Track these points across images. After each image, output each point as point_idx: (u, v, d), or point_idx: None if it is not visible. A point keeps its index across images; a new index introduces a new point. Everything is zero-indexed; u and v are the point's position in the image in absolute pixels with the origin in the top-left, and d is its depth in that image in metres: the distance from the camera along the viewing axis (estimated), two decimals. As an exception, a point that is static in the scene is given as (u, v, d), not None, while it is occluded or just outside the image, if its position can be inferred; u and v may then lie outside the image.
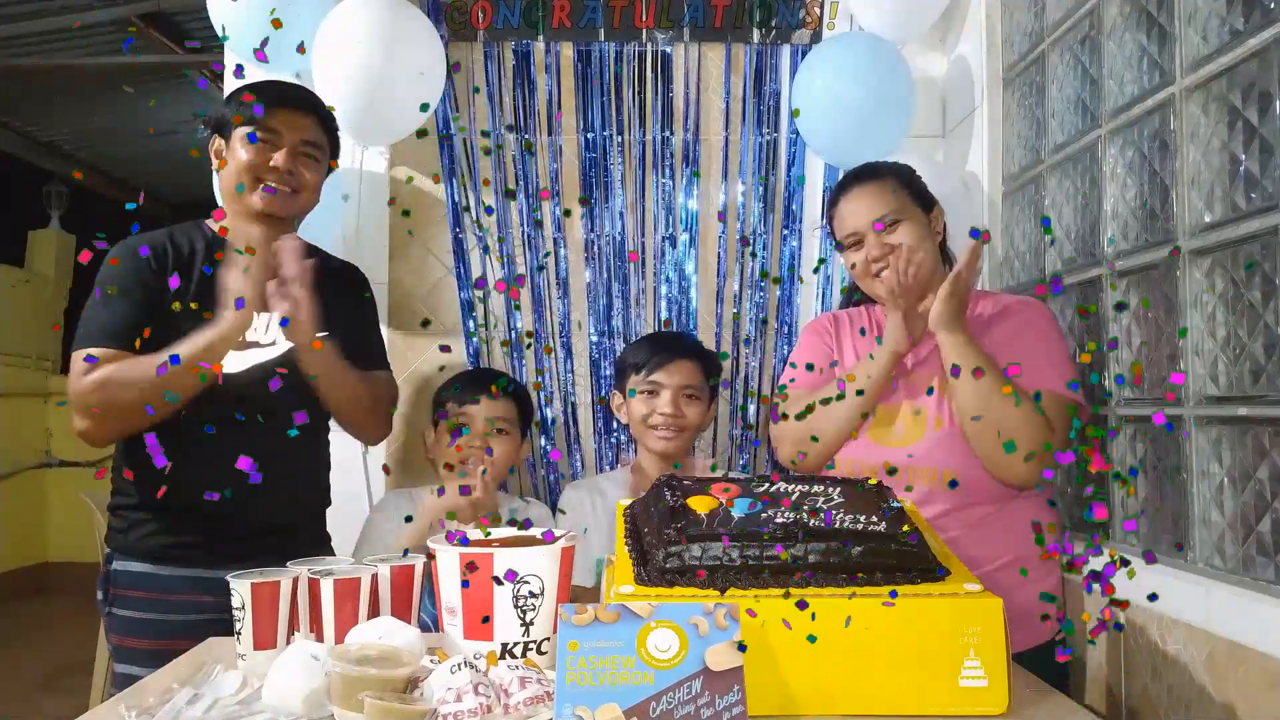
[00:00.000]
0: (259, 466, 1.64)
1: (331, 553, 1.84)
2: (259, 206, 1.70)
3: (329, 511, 1.90)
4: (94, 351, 1.62)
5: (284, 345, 1.71)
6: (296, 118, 1.73)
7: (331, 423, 1.87)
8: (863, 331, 1.75)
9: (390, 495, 2.02)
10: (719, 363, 2.07)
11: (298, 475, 1.78)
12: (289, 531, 1.72)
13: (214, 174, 1.83)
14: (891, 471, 1.49)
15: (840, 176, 1.77)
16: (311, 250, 1.88)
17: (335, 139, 1.84)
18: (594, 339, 2.38)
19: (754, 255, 2.39)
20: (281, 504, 1.71)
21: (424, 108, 1.88)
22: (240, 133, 1.70)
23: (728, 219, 2.41)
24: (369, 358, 1.88)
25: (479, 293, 2.37)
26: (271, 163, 1.70)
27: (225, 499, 1.62)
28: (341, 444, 1.98)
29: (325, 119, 1.80)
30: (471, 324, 2.38)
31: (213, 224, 1.77)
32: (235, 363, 1.68)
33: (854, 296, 1.86)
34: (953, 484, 1.51)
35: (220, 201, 1.86)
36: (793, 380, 1.73)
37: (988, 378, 1.49)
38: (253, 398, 1.66)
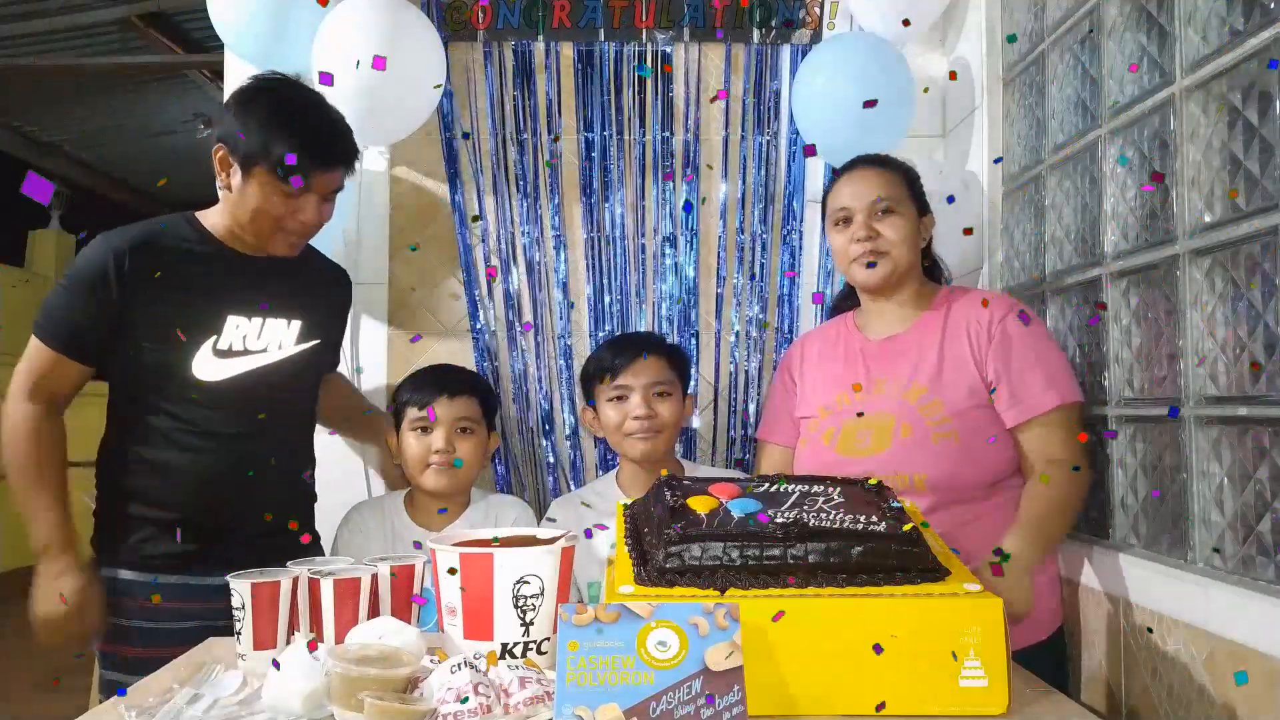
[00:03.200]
0: (244, 473, 1.66)
1: (321, 553, 1.82)
2: (279, 251, 1.69)
3: (330, 514, 1.89)
4: (40, 351, 1.63)
5: (275, 354, 1.70)
6: (331, 174, 1.65)
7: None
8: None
9: (355, 510, 1.92)
10: (687, 356, 2.03)
11: (282, 480, 1.76)
12: (278, 535, 1.67)
13: (217, 181, 1.72)
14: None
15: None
16: (309, 250, 1.88)
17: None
18: (594, 340, 2.38)
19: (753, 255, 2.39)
20: (270, 512, 1.69)
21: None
22: (264, 166, 1.59)
23: (727, 219, 2.41)
24: (335, 362, 1.98)
25: (482, 291, 2.37)
26: (300, 215, 1.64)
27: (210, 508, 1.64)
28: (344, 446, 1.98)
29: (354, 161, 1.71)
30: (479, 322, 2.38)
31: (202, 220, 1.73)
32: (218, 370, 1.66)
33: (848, 291, 1.87)
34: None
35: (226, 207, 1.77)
36: (760, 424, 1.89)
37: (1044, 528, 1.50)
38: (238, 405, 1.66)
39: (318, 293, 1.81)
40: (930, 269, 1.80)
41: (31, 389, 1.63)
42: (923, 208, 1.73)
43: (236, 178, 1.64)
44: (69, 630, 1.60)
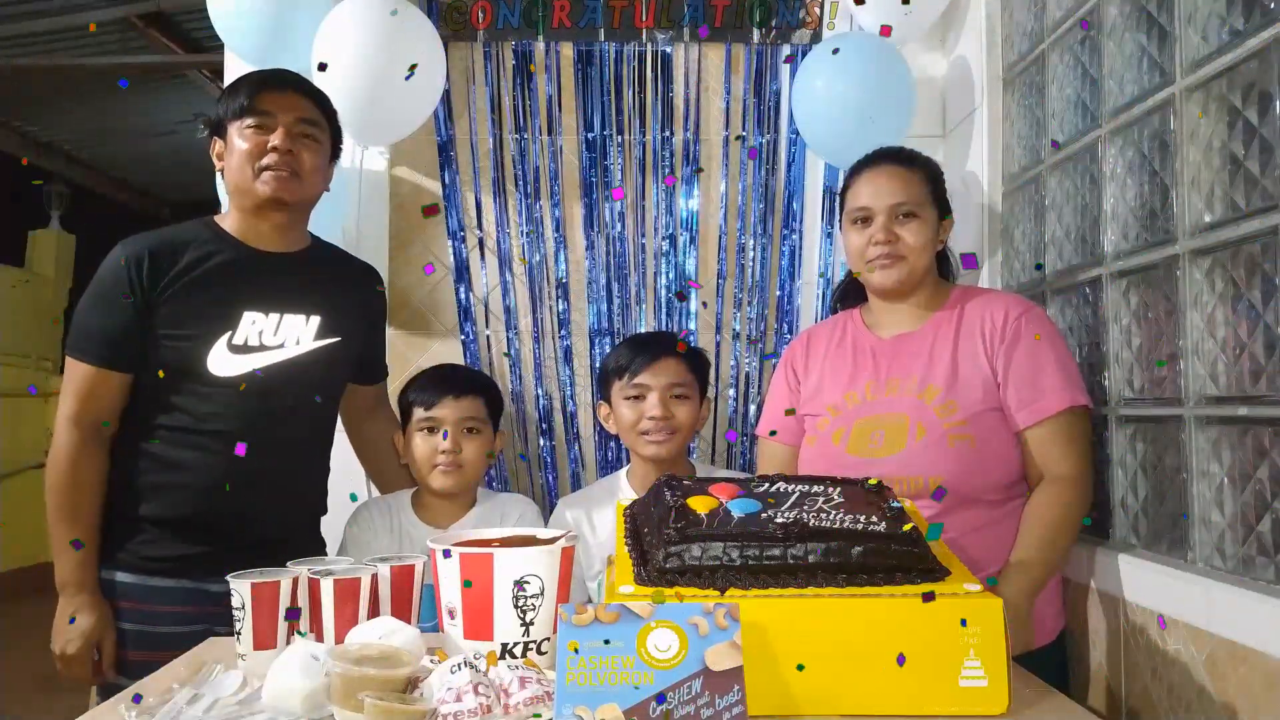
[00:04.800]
0: (251, 479, 1.65)
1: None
2: (264, 192, 1.66)
3: (333, 515, 1.88)
4: (78, 370, 1.64)
5: (292, 350, 1.70)
6: (288, 97, 1.69)
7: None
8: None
9: (363, 507, 1.91)
10: (706, 359, 2.01)
11: (295, 487, 1.76)
12: (282, 542, 1.64)
13: (218, 177, 1.78)
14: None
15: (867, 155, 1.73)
16: (333, 249, 1.89)
17: (335, 122, 1.78)
18: (593, 339, 2.38)
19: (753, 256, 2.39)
20: (277, 516, 1.69)
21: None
22: (235, 123, 1.67)
23: (728, 219, 2.41)
24: (380, 371, 1.97)
25: (476, 294, 2.37)
26: (270, 144, 1.66)
27: (215, 510, 1.63)
28: (344, 447, 1.98)
29: (318, 100, 1.75)
30: (469, 324, 2.38)
31: (218, 222, 1.74)
32: (232, 366, 1.65)
33: (846, 288, 1.84)
34: (937, 493, 1.50)
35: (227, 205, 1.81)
36: (759, 423, 1.85)
37: (1041, 566, 1.50)
38: (251, 403, 1.65)
39: (339, 288, 1.80)
40: (941, 263, 1.74)
41: (76, 413, 1.63)
42: (943, 209, 1.68)
43: (221, 148, 1.71)
44: (86, 666, 1.61)
